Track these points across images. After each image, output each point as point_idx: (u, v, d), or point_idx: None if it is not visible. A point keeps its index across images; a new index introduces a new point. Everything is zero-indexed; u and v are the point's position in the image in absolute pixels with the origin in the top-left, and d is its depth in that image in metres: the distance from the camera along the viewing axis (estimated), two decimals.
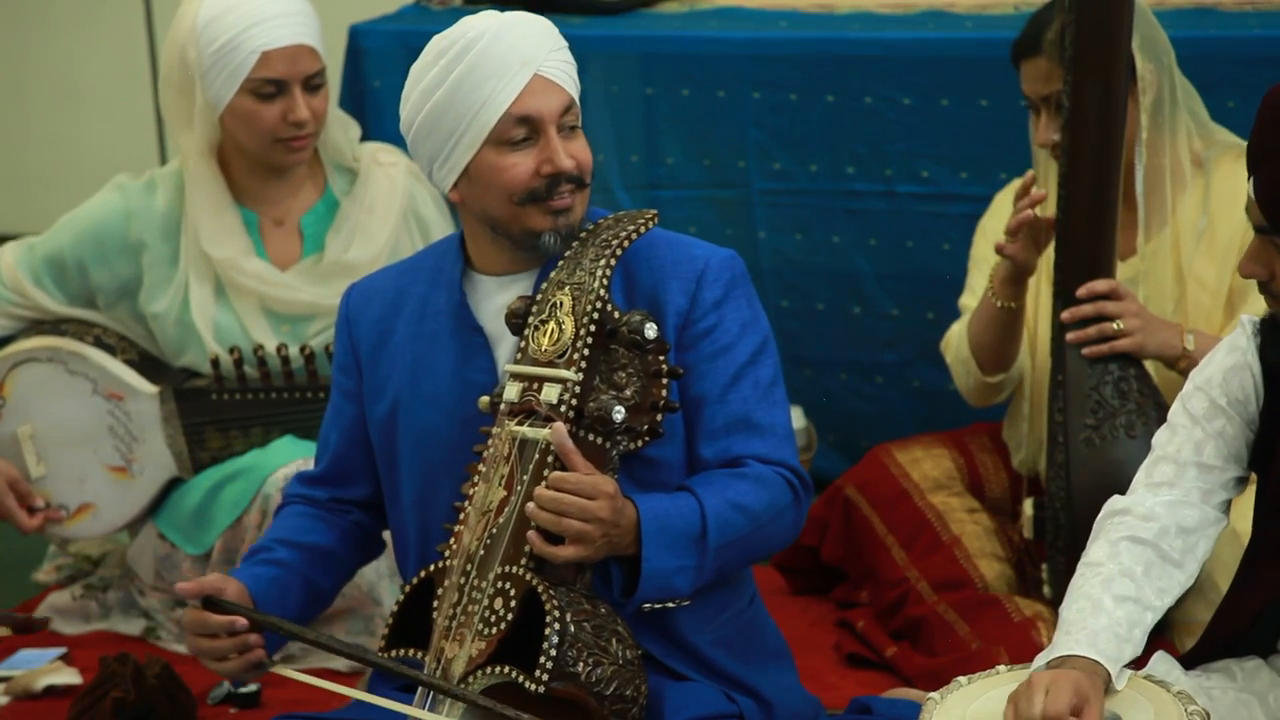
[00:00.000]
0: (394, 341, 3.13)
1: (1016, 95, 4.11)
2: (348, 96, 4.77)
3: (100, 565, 4.32)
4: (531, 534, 2.86)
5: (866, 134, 4.57)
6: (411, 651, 2.94)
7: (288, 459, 3.95)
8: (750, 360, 3.04)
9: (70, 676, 3.93)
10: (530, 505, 2.86)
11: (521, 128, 2.99)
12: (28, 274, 4.10)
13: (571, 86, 3.03)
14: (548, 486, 2.86)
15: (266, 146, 3.98)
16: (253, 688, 3.85)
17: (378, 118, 4.74)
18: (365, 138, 4.35)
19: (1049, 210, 3.69)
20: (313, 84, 3.95)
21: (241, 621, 3.01)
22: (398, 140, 4.49)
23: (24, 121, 7.17)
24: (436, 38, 3.04)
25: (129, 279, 4.09)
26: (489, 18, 3.03)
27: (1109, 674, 2.69)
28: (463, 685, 2.84)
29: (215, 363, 4.02)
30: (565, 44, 3.06)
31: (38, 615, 4.21)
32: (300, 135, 3.96)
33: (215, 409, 4.04)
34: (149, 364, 4.12)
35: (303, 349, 4.00)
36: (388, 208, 4.09)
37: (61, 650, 4.09)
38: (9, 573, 4.53)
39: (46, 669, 3.97)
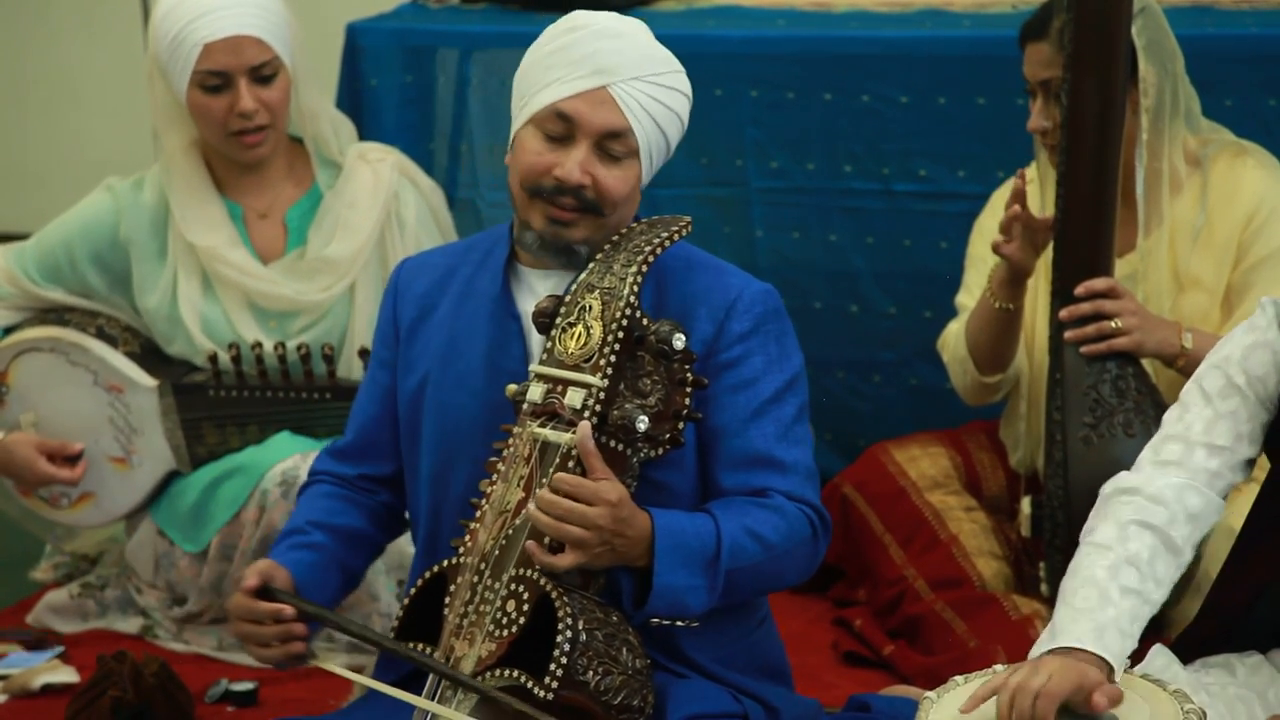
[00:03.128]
0: (434, 318, 3.13)
1: (1014, 93, 4.11)
2: (345, 95, 4.77)
3: (97, 564, 4.32)
4: (530, 543, 2.85)
5: (864, 132, 4.56)
6: (420, 647, 2.93)
7: (285, 455, 3.95)
8: (774, 397, 3.00)
9: (67, 675, 3.93)
10: (531, 507, 2.86)
11: (560, 125, 2.98)
12: (22, 274, 4.11)
13: (639, 119, 2.98)
14: (550, 489, 2.85)
15: (222, 140, 3.98)
16: (249, 686, 3.85)
17: (375, 116, 4.73)
18: (362, 136, 4.34)
19: (1047, 209, 3.69)
20: (261, 74, 3.94)
21: (289, 610, 3.00)
22: (395, 138, 4.52)
23: (22, 121, 7.17)
24: (575, 13, 3.05)
25: (121, 275, 4.10)
26: (606, 16, 3.02)
27: (1112, 669, 2.69)
28: None
29: (213, 359, 4.02)
30: (669, 84, 3.01)
31: (35, 613, 4.23)
32: (250, 128, 3.95)
33: (212, 405, 4.04)
34: (151, 356, 4.12)
35: (299, 348, 4.00)
36: (371, 202, 4.08)
37: (59, 649, 4.09)
38: (7, 571, 4.53)
39: (44, 667, 3.96)
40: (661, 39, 2.93)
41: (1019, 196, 3.67)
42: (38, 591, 4.33)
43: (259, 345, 4.00)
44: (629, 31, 3.02)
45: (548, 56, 3.00)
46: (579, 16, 3.03)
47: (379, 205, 4.08)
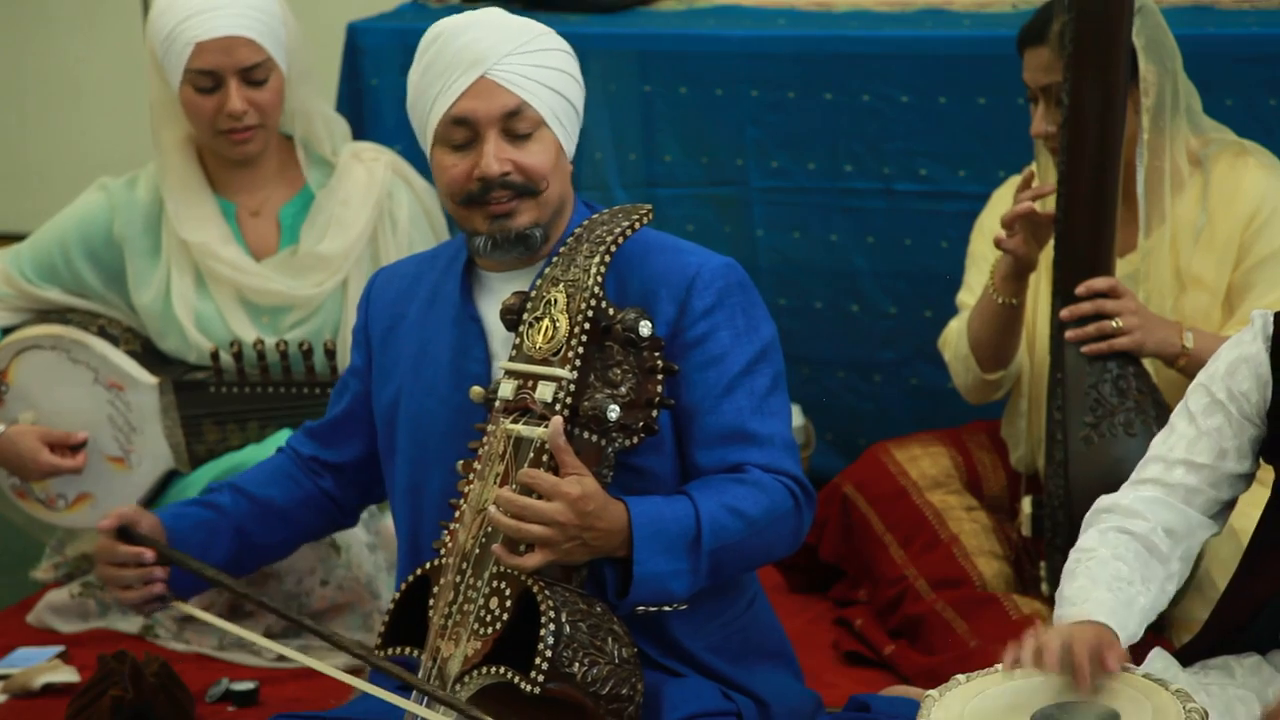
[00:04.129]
0: (404, 326, 3.14)
1: (1014, 93, 4.11)
2: (345, 94, 4.77)
3: None
4: (497, 547, 2.85)
5: (864, 132, 4.57)
6: (408, 650, 2.93)
7: None
8: (745, 370, 3.00)
9: (68, 674, 3.93)
10: (491, 509, 2.85)
11: (461, 130, 3.00)
12: (18, 274, 4.12)
13: (530, 91, 3.00)
14: (512, 488, 2.85)
15: (211, 138, 4.00)
16: (250, 685, 3.85)
17: (375, 116, 4.73)
18: (362, 136, 4.35)
19: (1049, 206, 3.69)
20: (252, 77, 3.95)
21: (149, 554, 3.06)
22: (395, 139, 4.52)
23: (22, 119, 7.17)
24: (431, 27, 3.07)
25: (117, 273, 4.11)
26: (457, 16, 3.05)
27: (1119, 638, 2.70)
28: (459, 685, 2.84)
29: (215, 356, 4.03)
30: (543, 46, 3.04)
31: (35, 613, 4.23)
32: (239, 128, 3.96)
33: (213, 402, 4.04)
34: (152, 356, 4.13)
35: (301, 344, 4.00)
36: (364, 200, 4.08)
37: (59, 648, 4.09)
38: (7, 571, 4.53)
39: (44, 667, 3.96)
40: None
41: (1037, 194, 3.67)
42: (38, 591, 4.33)
43: (261, 342, 4.01)
44: (484, 19, 3.04)
45: (422, 77, 3.04)
46: (434, 28, 3.06)
47: (371, 203, 4.08)
